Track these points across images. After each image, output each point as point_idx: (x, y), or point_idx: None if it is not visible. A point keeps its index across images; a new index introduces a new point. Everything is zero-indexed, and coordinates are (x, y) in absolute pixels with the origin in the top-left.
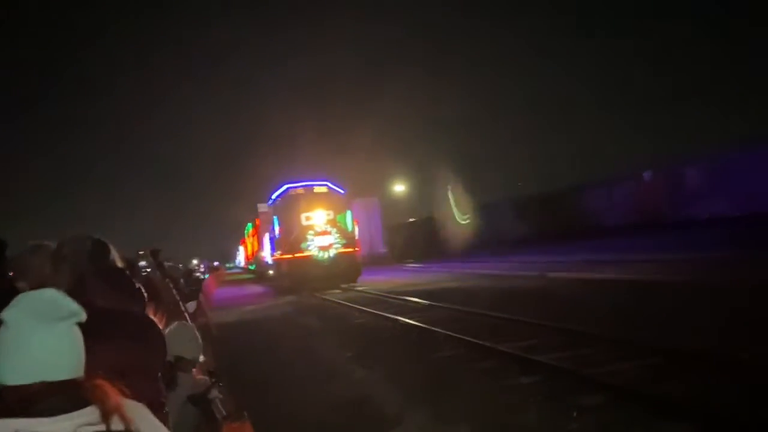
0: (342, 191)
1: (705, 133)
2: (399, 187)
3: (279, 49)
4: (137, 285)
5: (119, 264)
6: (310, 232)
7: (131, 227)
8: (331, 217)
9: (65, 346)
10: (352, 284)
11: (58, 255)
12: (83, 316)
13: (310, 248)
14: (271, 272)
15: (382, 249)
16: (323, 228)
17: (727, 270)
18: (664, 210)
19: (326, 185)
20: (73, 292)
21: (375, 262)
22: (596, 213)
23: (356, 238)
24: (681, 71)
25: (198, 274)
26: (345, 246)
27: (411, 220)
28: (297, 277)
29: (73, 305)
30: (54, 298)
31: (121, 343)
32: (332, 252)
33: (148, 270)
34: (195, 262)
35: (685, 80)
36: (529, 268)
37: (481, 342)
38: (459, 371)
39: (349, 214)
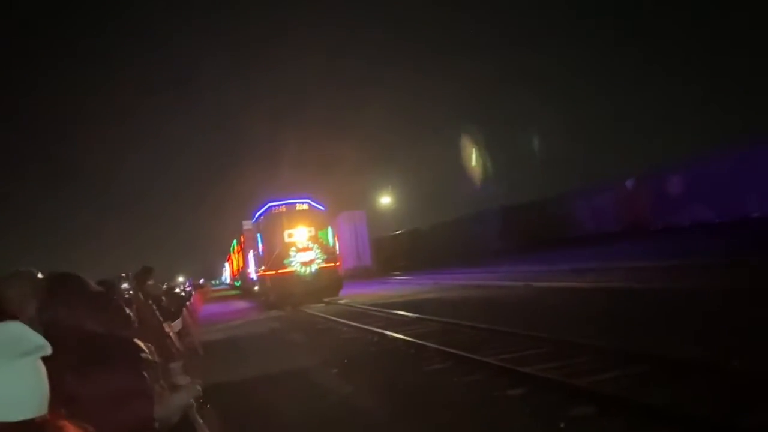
0: (323, 208)
1: (688, 140)
2: (385, 199)
3: (256, 64)
4: (127, 310)
5: (99, 290)
6: (293, 248)
7: (112, 247)
8: (313, 233)
9: (28, 384)
10: (334, 298)
11: (37, 283)
12: (48, 350)
13: (292, 264)
14: (256, 288)
15: (368, 262)
16: (305, 244)
17: (709, 276)
18: (647, 217)
19: (307, 203)
20: (59, 317)
21: (362, 275)
22: (580, 221)
23: (337, 253)
24: (662, 77)
25: (180, 290)
26: (326, 261)
27: (397, 232)
28: (281, 292)
29: (38, 339)
30: (18, 332)
31: (114, 368)
32: (314, 267)
33: (131, 292)
34: (180, 279)
35: (668, 86)
36: (514, 278)
37: (468, 355)
38: (447, 384)
39: (329, 230)
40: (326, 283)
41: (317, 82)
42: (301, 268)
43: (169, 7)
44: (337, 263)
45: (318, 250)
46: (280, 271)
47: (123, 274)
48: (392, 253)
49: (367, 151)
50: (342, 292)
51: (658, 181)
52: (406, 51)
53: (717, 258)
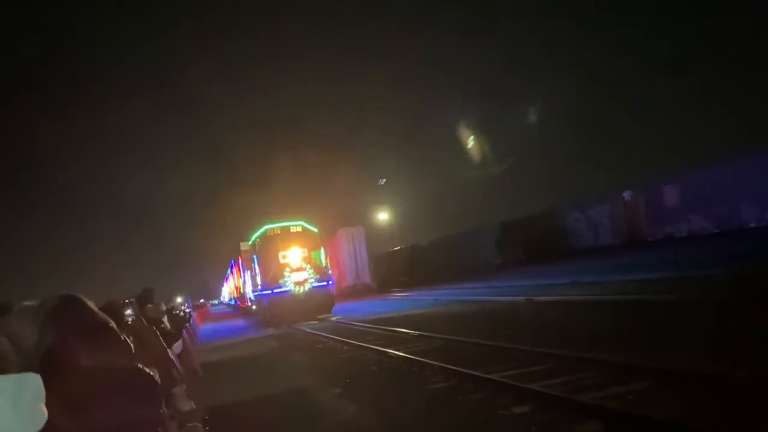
0: (315, 229)
1: (682, 150)
2: (383, 215)
3: (253, 87)
4: (122, 337)
5: (100, 317)
6: (287, 268)
7: (112, 270)
8: (306, 254)
9: None
10: (329, 316)
11: (34, 316)
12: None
13: (287, 284)
14: (254, 307)
15: (368, 278)
16: (299, 265)
17: (708, 287)
18: (645, 229)
19: (301, 224)
20: (54, 352)
21: (361, 291)
22: (578, 234)
23: (329, 273)
24: (658, 86)
25: (180, 311)
26: (319, 280)
27: (396, 248)
28: (277, 311)
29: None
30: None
31: (114, 399)
32: (307, 287)
33: (133, 318)
34: (179, 299)
35: (663, 96)
36: (514, 293)
37: (472, 372)
38: (452, 403)
39: (322, 250)
40: (319, 301)
41: (315, 104)
42: (296, 287)
43: (166, 31)
44: (330, 282)
45: (311, 271)
46: (275, 290)
47: (126, 300)
48: (391, 270)
49: (364, 168)
50: (341, 310)
51: (656, 192)
52: (406, 72)
53: (717, 269)
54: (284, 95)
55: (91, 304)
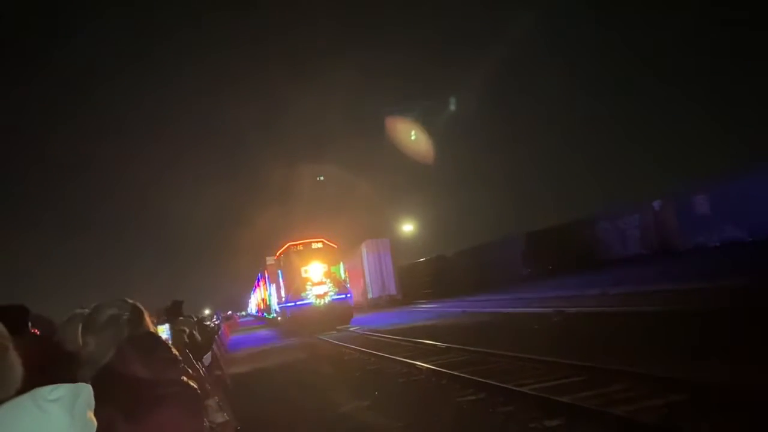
0: (335, 246)
1: (714, 158)
2: (407, 227)
3: (278, 108)
4: (173, 350)
5: (152, 328)
6: (309, 282)
7: (139, 284)
8: (326, 269)
9: None
10: (345, 326)
11: (92, 324)
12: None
13: (309, 296)
14: (279, 318)
15: (394, 290)
16: (320, 279)
17: (740, 296)
18: (676, 238)
19: (322, 241)
20: (111, 363)
21: (387, 303)
22: (607, 245)
23: (348, 286)
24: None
25: (210, 323)
26: (338, 293)
27: (421, 259)
28: (299, 321)
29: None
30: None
31: (164, 412)
32: (327, 299)
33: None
34: (207, 311)
35: (689, 102)
36: (544, 304)
37: (502, 384)
38: (482, 416)
39: (341, 265)
40: (338, 313)
41: (339, 120)
42: (317, 300)
43: (196, 57)
44: (348, 295)
45: (331, 284)
46: (298, 302)
47: (159, 318)
48: (417, 281)
49: (389, 181)
50: (368, 321)
51: (686, 201)
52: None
53: (752, 278)
54: (309, 114)
55: (147, 315)
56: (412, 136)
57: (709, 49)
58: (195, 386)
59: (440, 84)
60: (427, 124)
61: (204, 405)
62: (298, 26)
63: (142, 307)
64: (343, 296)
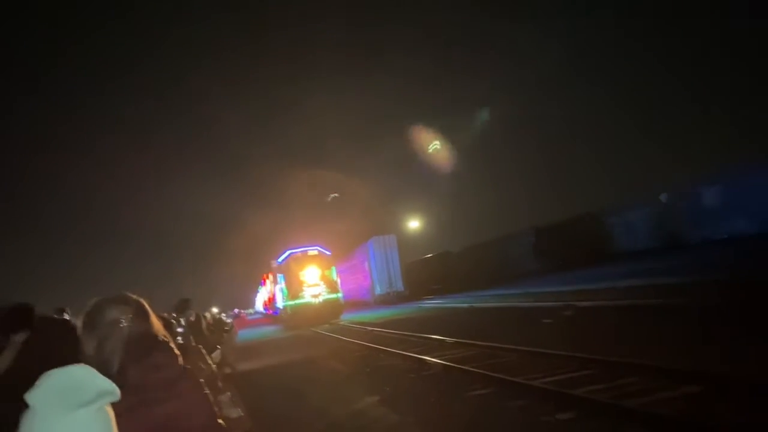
0: (328, 252)
1: (722, 151)
2: (413, 223)
3: (280, 113)
4: (175, 351)
5: (157, 325)
6: (306, 284)
7: (145, 282)
8: (321, 273)
9: None
10: (336, 320)
11: (92, 324)
12: (116, 395)
13: (305, 296)
14: (281, 315)
15: (401, 286)
16: (315, 281)
17: (745, 290)
18: (684, 232)
19: (317, 249)
20: (106, 363)
21: (394, 299)
22: (615, 239)
23: (339, 286)
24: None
25: (226, 319)
26: (330, 293)
27: (428, 255)
28: (298, 317)
29: (103, 384)
30: (81, 378)
31: (166, 405)
32: (321, 298)
33: (180, 331)
34: (215, 310)
35: (698, 94)
36: (553, 298)
37: (512, 378)
38: (493, 410)
39: (334, 269)
40: (330, 309)
41: (340, 120)
42: (312, 299)
43: (189, 59)
44: (339, 294)
45: (324, 286)
46: (297, 301)
47: (173, 316)
48: (424, 277)
49: (393, 179)
50: (375, 317)
51: (694, 194)
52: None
53: (755, 270)
54: (311, 113)
55: (151, 312)
56: (432, 147)
57: (718, 41)
58: (201, 379)
59: (452, 87)
60: (444, 130)
61: (216, 400)
62: (302, 25)
63: (145, 303)
64: (335, 295)
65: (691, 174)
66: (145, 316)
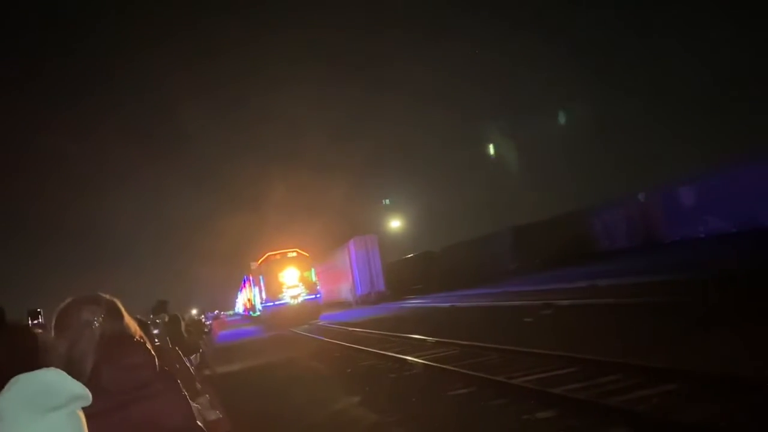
0: (307, 255)
1: (698, 151)
2: (395, 223)
3: (253, 115)
4: (150, 351)
5: (132, 325)
6: (285, 286)
7: (123, 284)
8: (299, 274)
9: None
10: (315, 321)
11: (63, 325)
12: (88, 399)
13: (285, 298)
14: (261, 316)
15: (382, 286)
16: (294, 282)
17: (725, 287)
18: (661, 231)
19: (296, 251)
20: (78, 365)
21: (376, 299)
22: (594, 238)
23: (318, 288)
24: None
25: (204, 321)
26: (309, 294)
27: (409, 255)
28: (277, 318)
29: (74, 388)
30: (51, 382)
31: (142, 407)
32: (299, 299)
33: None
34: (194, 311)
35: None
36: (532, 297)
37: (493, 377)
38: (473, 409)
39: (312, 271)
40: (309, 310)
41: (314, 118)
42: (291, 300)
43: (161, 63)
44: (318, 296)
45: (303, 287)
46: (276, 303)
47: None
48: (405, 277)
49: (373, 178)
50: (356, 318)
51: (671, 193)
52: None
53: (740, 268)
54: (283, 119)
55: (124, 311)
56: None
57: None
58: (176, 379)
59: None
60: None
61: (196, 403)
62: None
63: (118, 303)
64: (313, 296)
65: (668, 173)
66: (119, 316)
